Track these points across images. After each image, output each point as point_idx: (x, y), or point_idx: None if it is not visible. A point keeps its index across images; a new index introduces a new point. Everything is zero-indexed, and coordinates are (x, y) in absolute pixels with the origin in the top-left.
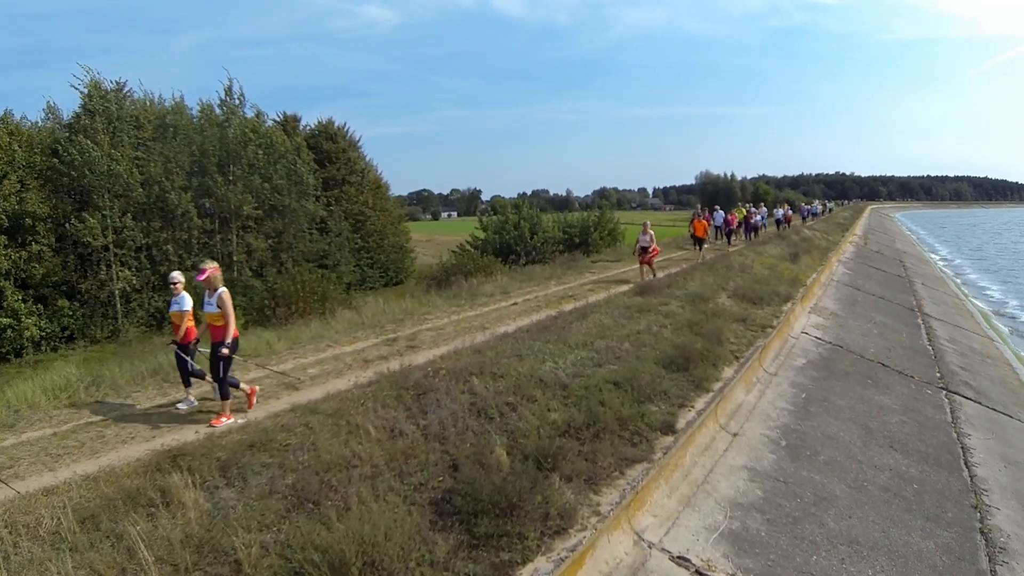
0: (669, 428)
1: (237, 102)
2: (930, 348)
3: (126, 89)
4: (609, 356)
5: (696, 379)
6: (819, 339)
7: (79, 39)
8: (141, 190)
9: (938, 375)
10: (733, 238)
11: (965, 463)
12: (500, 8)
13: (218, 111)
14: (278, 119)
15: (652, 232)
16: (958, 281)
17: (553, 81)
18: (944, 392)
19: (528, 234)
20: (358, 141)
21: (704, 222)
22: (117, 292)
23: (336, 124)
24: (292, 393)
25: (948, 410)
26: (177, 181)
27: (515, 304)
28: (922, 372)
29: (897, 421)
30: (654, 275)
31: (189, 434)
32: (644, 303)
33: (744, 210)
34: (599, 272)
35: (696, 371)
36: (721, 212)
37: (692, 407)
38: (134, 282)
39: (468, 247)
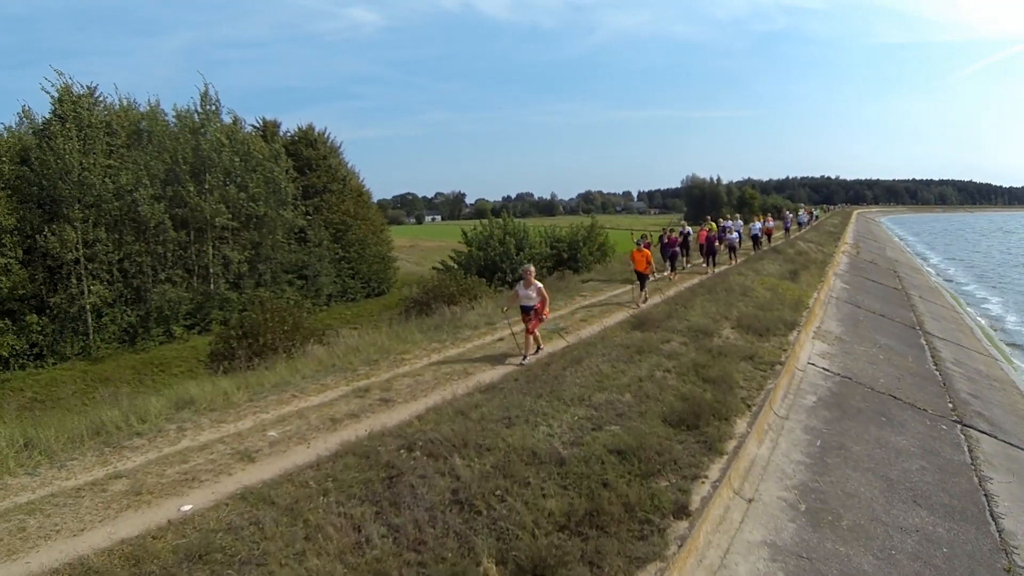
0: (683, 510)
1: (213, 107)
2: (938, 374)
3: (98, 93)
4: (610, 414)
5: (708, 439)
6: (826, 370)
7: (63, 39)
8: (113, 202)
9: (950, 406)
10: (682, 262)
11: (991, 515)
12: (485, 11)
13: (195, 117)
14: (257, 125)
15: (540, 284)
16: (953, 291)
17: (538, 84)
18: (959, 426)
19: (514, 250)
20: (339, 147)
21: (646, 252)
22: (88, 307)
23: (316, 130)
24: (247, 467)
25: (966, 448)
26: (150, 191)
27: (501, 340)
28: (934, 403)
29: (917, 468)
30: (535, 347)
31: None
32: (643, 340)
33: (714, 224)
34: (590, 295)
35: (708, 429)
36: (688, 229)
37: (706, 477)
38: (106, 296)
39: (451, 262)
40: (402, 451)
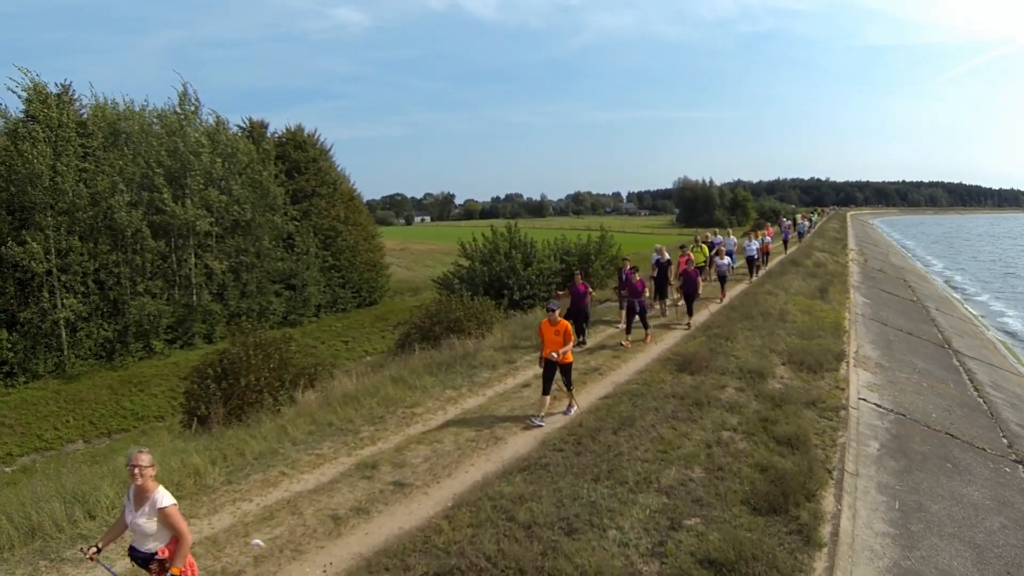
0: None
1: (193, 108)
2: (982, 402)
3: (73, 92)
4: (685, 501)
5: (803, 527)
6: (879, 407)
7: (48, 37)
8: (88, 209)
9: (1004, 441)
10: (662, 306)
11: None
12: (472, 11)
13: (175, 117)
14: (243, 125)
15: (168, 503)
16: (963, 299)
17: (526, 84)
18: (1021, 467)
19: (521, 265)
20: (330, 149)
21: (564, 324)
22: (62, 321)
23: (306, 131)
24: None
25: None
26: (126, 196)
27: (527, 386)
28: (989, 439)
29: (999, 527)
30: None
31: None
32: (696, 387)
33: (706, 248)
34: (612, 317)
35: (800, 512)
36: (666, 256)
37: None
38: (81, 309)
39: (451, 276)
40: None
